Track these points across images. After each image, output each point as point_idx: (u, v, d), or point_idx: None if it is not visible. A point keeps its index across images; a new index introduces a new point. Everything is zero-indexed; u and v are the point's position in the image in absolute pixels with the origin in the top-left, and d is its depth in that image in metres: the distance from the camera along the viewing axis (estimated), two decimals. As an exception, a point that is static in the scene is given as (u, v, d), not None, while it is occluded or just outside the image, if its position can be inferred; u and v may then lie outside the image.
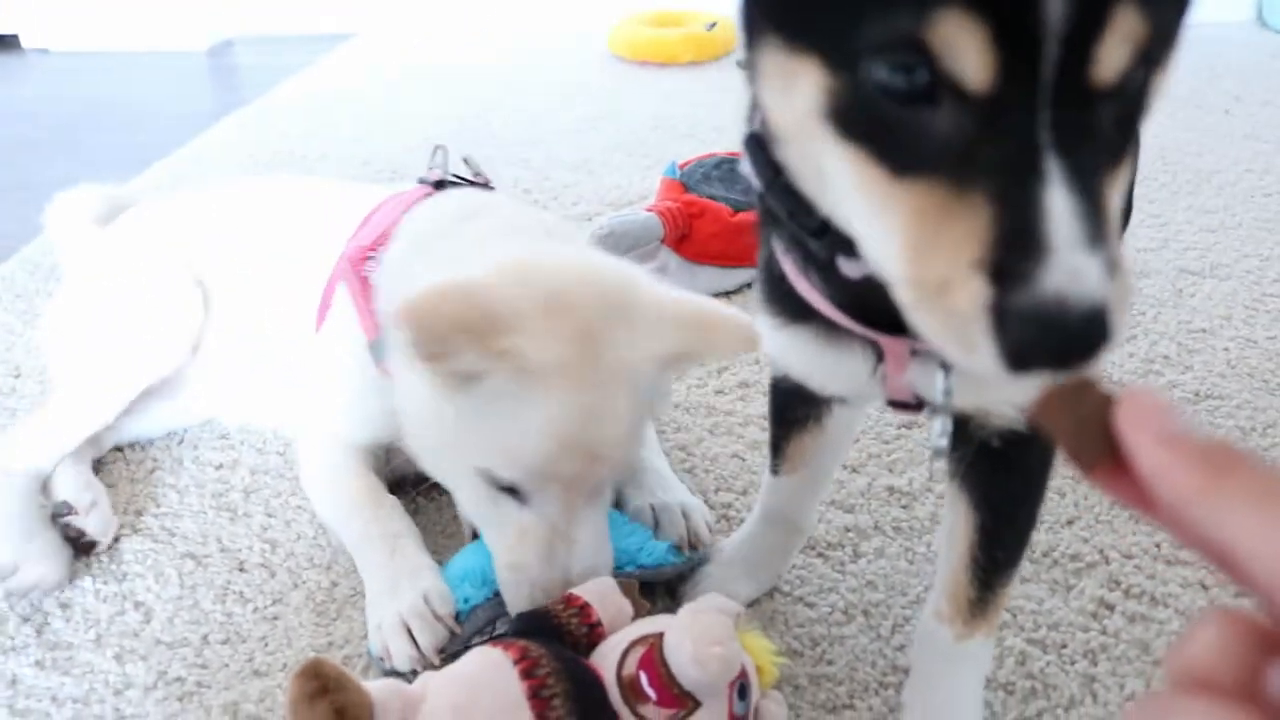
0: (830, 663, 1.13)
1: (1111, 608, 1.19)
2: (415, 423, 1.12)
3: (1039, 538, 1.29)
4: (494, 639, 0.99)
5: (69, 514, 1.31)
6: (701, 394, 1.58)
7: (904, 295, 0.55)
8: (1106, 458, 0.40)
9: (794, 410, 1.09)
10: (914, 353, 0.78)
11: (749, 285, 1.87)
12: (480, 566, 1.13)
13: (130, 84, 3.45)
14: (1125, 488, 0.40)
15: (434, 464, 1.13)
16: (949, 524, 0.95)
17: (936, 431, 0.75)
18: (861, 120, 0.55)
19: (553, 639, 0.99)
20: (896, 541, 1.29)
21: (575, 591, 1.04)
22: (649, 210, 1.86)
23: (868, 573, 1.25)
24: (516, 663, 0.91)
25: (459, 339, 0.94)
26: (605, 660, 0.97)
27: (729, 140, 2.46)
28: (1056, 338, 0.49)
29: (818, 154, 0.59)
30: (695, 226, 1.84)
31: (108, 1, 3.77)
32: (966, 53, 0.49)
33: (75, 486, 1.36)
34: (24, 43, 3.91)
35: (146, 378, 1.41)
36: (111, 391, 1.39)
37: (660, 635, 0.96)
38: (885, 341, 0.78)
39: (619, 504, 1.27)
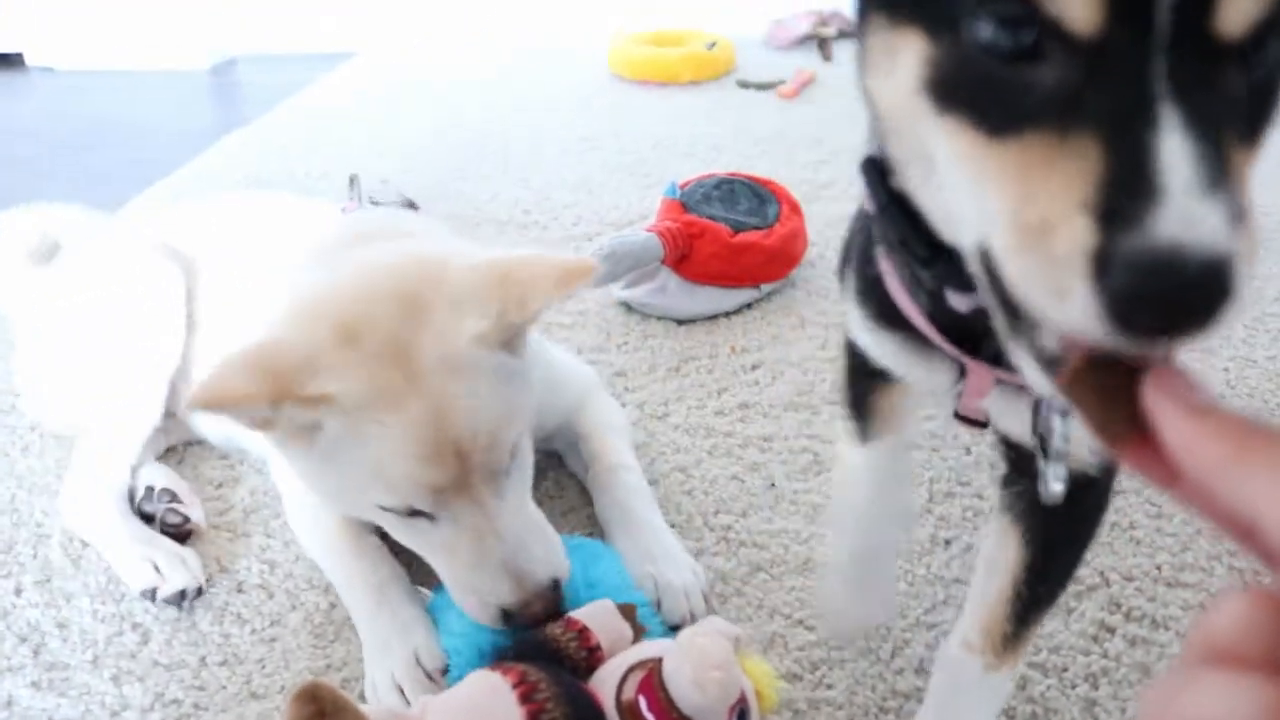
0: (830, 687, 1.13)
1: (1112, 631, 1.19)
2: (301, 483, 1.12)
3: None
4: (493, 663, 0.99)
5: (172, 501, 1.36)
6: (700, 415, 1.58)
7: (1002, 242, 0.49)
8: (1134, 432, 0.40)
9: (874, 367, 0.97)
10: (998, 382, 0.77)
11: (749, 305, 1.87)
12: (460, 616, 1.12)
13: (133, 102, 3.46)
14: (1152, 463, 0.40)
15: (343, 512, 1.14)
16: (990, 556, 0.92)
17: (1051, 477, 0.72)
18: (963, 86, 0.52)
19: (552, 662, 0.98)
20: (896, 564, 1.28)
21: (574, 615, 1.04)
22: (649, 230, 1.87)
23: (868, 596, 1.25)
24: (515, 687, 0.91)
25: (261, 399, 0.95)
26: (604, 684, 0.96)
27: (729, 159, 2.48)
28: (1169, 290, 0.43)
29: (920, 135, 0.56)
30: (695, 246, 1.84)
31: (111, 20, 3.78)
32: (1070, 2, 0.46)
33: (167, 477, 1.41)
34: (28, 61, 3.92)
35: (169, 366, 1.42)
36: (146, 391, 1.40)
37: (659, 659, 0.95)
38: (973, 366, 0.77)
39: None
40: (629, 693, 0.94)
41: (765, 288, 1.88)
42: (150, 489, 1.38)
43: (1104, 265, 0.44)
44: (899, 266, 0.77)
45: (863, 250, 0.84)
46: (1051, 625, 1.19)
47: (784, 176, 2.21)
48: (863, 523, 1.08)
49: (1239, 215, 0.44)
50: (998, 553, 0.90)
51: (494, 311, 1.02)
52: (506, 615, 1.06)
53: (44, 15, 3.81)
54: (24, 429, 1.58)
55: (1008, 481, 0.89)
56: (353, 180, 1.39)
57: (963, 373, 0.79)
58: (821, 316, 1.84)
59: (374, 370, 0.99)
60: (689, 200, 1.92)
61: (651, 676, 0.94)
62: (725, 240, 1.84)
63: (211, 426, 1.48)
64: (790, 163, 2.53)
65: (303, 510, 1.30)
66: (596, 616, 1.04)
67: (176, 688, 1.15)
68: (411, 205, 1.40)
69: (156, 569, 1.25)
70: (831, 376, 1.66)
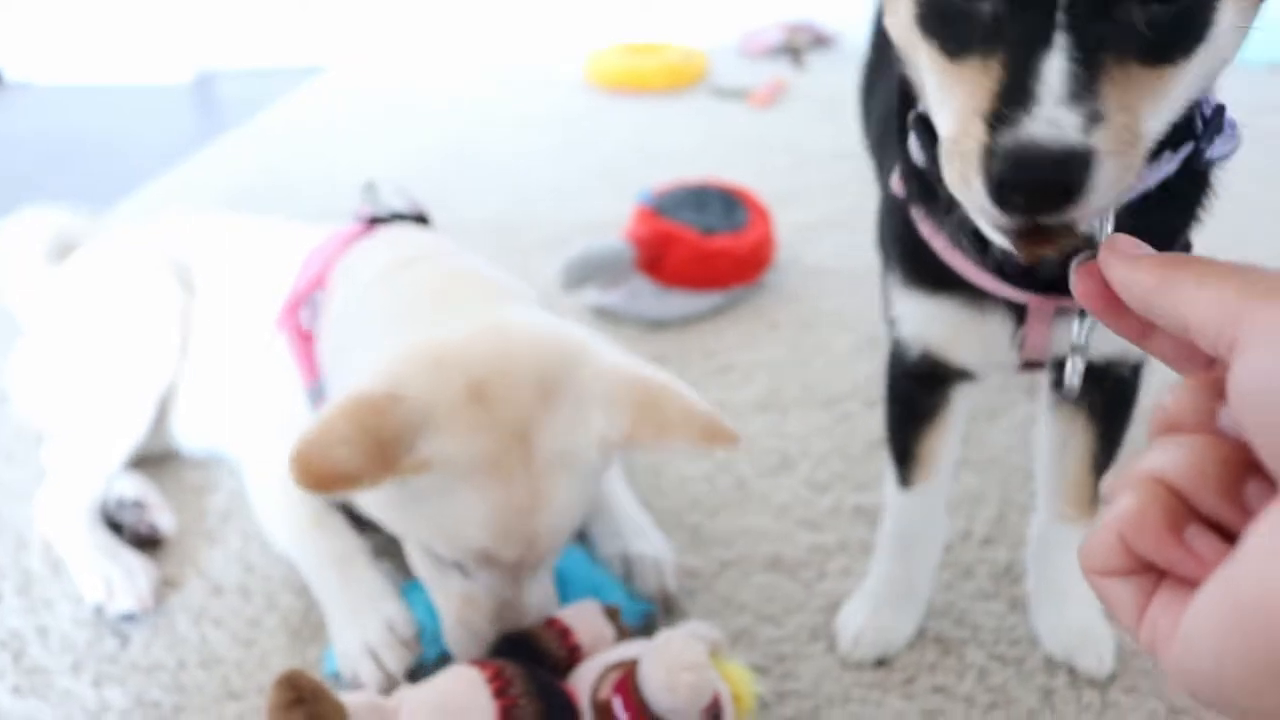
0: (796, 679, 1.16)
1: (1071, 622, 1.22)
2: (367, 501, 1.10)
3: (1000, 555, 1.32)
4: (475, 660, 1.02)
5: (142, 510, 1.38)
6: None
7: (943, 146, 0.64)
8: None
9: (920, 403, 1.10)
10: (1059, 311, 0.89)
11: (720, 309, 1.90)
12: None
13: (114, 116, 3.48)
14: (1113, 314, 0.51)
15: (380, 523, 1.15)
16: (1058, 441, 1.11)
17: (1069, 371, 0.79)
18: (934, 17, 0.67)
19: (532, 659, 1.01)
20: (861, 561, 1.31)
21: (558, 615, 1.07)
22: (622, 236, 1.90)
23: (834, 592, 1.27)
24: (490, 681, 0.94)
25: (364, 478, 0.93)
26: (581, 683, 0.99)
27: (702, 167, 2.51)
28: (1031, 175, 0.57)
29: (918, 61, 0.70)
30: (668, 252, 1.88)
31: (90, 35, 3.80)
32: None
33: (137, 485, 1.42)
34: (6, 76, 3.93)
35: (157, 380, 1.43)
36: (133, 400, 1.42)
37: (636, 661, 0.98)
38: (1033, 301, 0.88)
39: (583, 538, 1.30)
40: (604, 692, 0.96)
41: (736, 291, 1.91)
42: (121, 499, 1.40)
43: (988, 157, 0.58)
44: (946, 225, 0.86)
45: (900, 229, 0.94)
46: (1012, 618, 1.23)
47: (755, 183, 2.24)
48: (904, 555, 1.20)
49: (1098, 117, 0.57)
50: (1066, 436, 1.10)
51: (627, 424, 1.01)
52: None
53: (22, 30, 3.82)
54: (7, 437, 1.59)
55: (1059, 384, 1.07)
56: (368, 187, 1.41)
57: (1021, 318, 0.91)
58: (792, 319, 1.87)
59: (495, 439, 0.97)
60: (661, 206, 1.95)
61: (627, 677, 0.97)
62: (697, 245, 1.87)
63: (193, 436, 1.50)
64: (762, 169, 2.57)
65: (269, 498, 1.32)
66: (580, 617, 1.06)
67: (156, 690, 1.17)
68: (423, 217, 1.42)
69: (110, 585, 1.26)
70: (802, 379, 1.70)
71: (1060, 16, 0.59)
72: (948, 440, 1.14)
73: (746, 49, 3.75)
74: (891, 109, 1.01)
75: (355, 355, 1.13)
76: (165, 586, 1.31)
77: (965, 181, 0.60)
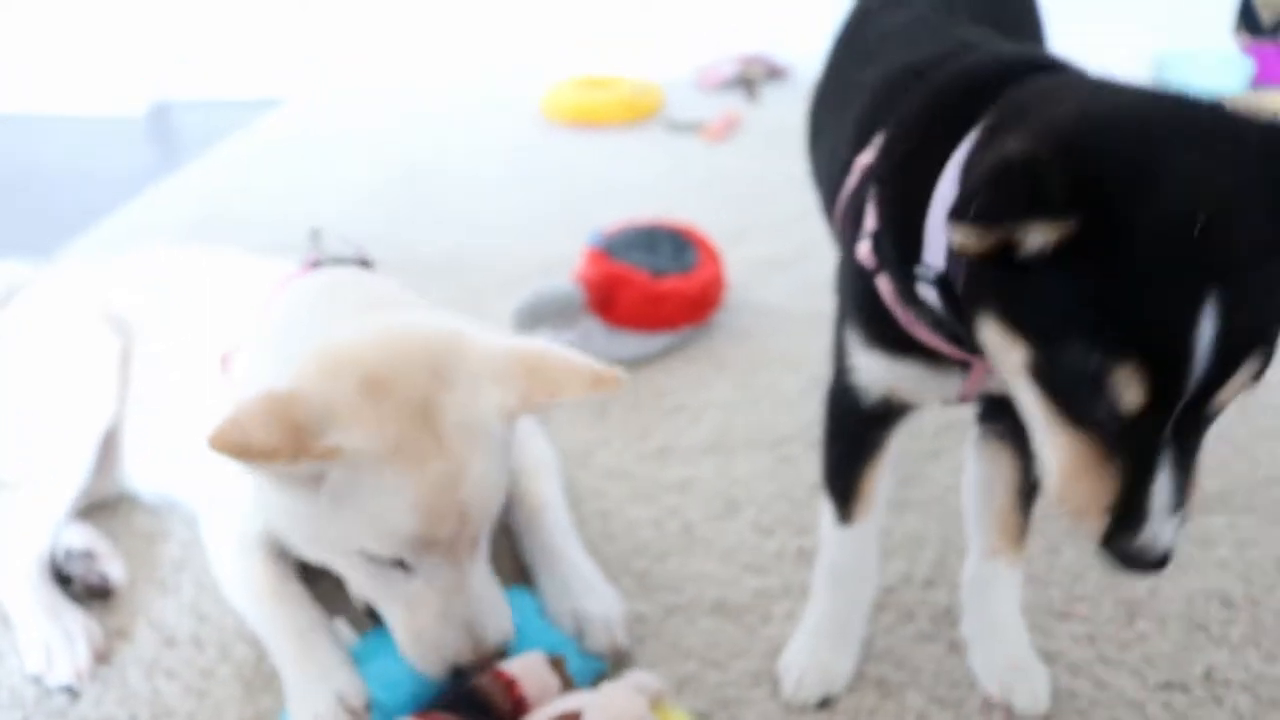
0: (739, 725, 1.19)
1: (1005, 664, 1.26)
2: (283, 521, 1.16)
3: (940, 597, 1.35)
4: (420, 712, 1.04)
5: (91, 560, 1.38)
6: (622, 460, 1.64)
7: (1052, 494, 0.84)
8: None
9: (865, 441, 1.16)
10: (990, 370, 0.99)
11: (671, 350, 1.93)
12: (391, 666, 1.16)
13: (67, 147, 3.46)
14: None
15: (314, 554, 1.17)
16: (983, 481, 1.21)
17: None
18: (1051, 377, 0.80)
19: (479, 712, 1.03)
20: (804, 604, 1.34)
21: (503, 667, 1.09)
22: (574, 278, 1.93)
23: (778, 636, 1.30)
24: (433, 738, 0.96)
25: (280, 454, 0.99)
26: (525, 735, 1.01)
27: (656, 203, 2.54)
28: (1138, 565, 0.81)
29: (1017, 384, 0.84)
30: (618, 294, 1.90)
31: (43, 65, 3.78)
32: (1130, 389, 0.74)
33: (85, 535, 1.42)
34: (-43, 105, 3.91)
35: (97, 426, 1.44)
36: (72, 450, 1.42)
37: (579, 713, 1.00)
38: (975, 361, 1.00)
39: (534, 592, 1.32)
40: (546, 743, 0.99)
41: (686, 332, 1.95)
42: (69, 551, 1.40)
43: (1110, 545, 0.81)
44: (916, 310, 0.98)
45: (864, 295, 1.04)
46: (950, 661, 1.26)
47: (708, 218, 2.29)
48: (840, 590, 1.25)
49: (1185, 516, 0.80)
50: (993, 472, 1.20)
51: (520, 391, 1.10)
52: (456, 671, 1.11)
53: (-28, 60, 3.80)
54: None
55: (987, 418, 1.20)
56: (314, 234, 1.43)
57: (965, 368, 1.03)
58: (741, 359, 1.91)
59: (399, 424, 1.04)
60: (611, 248, 1.98)
61: None
62: (647, 287, 1.90)
63: (143, 481, 1.51)
64: (715, 205, 2.61)
65: (229, 561, 1.33)
66: (526, 668, 1.09)
67: (107, 744, 1.18)
68: (367, 262, 1.45)
69: (49, 654, 1.26)
70: (750, 420, 1.73)
71: (1167, 438, 0.76)
72: (886, 476, 1.20)
73: (702, 82, 3.80)
74: (843, 162, 1.07)
75: (259, 365, 1.21)
76: (116, 638, 1.32)
77: (1086, 541, 0.83)
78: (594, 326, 1.90)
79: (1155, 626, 1.31)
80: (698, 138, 3.21)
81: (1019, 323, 0.80)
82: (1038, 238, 0.75)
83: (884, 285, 1.01)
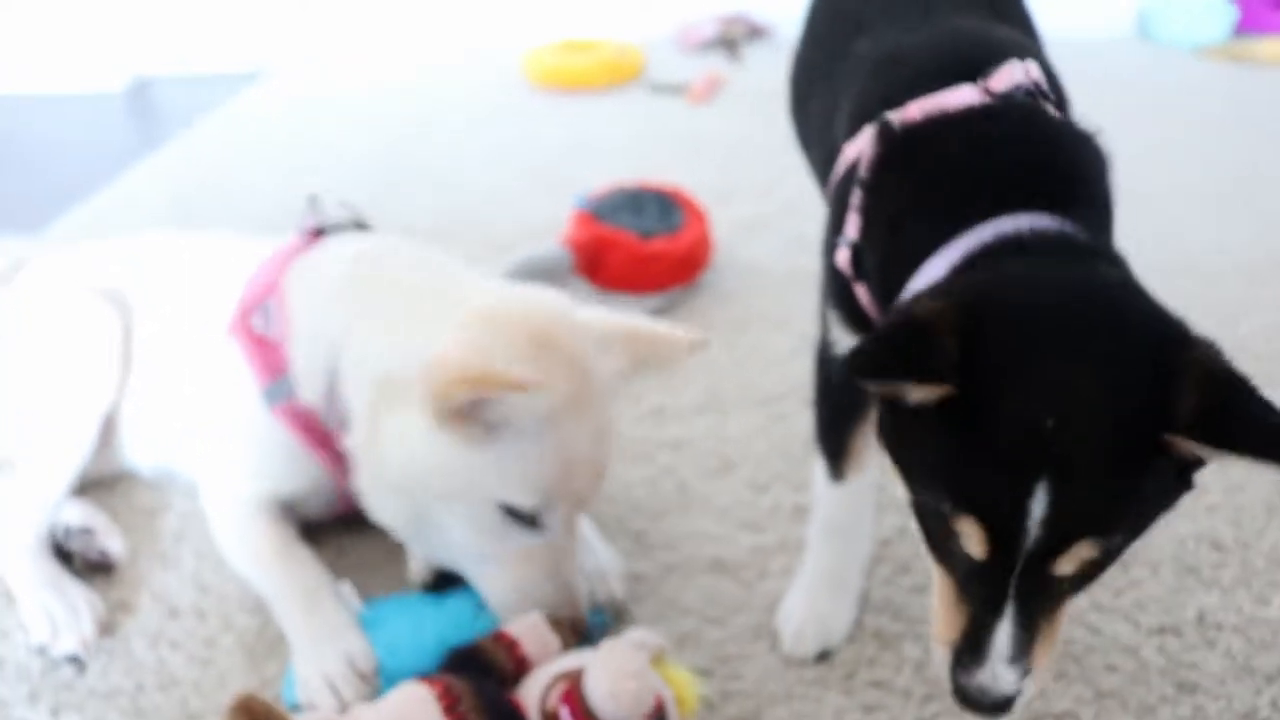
0: (740, 679, 1.21)
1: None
2: (414, 478, 1.14)
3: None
4: (424, 675, 1.05)
5: (90, 536, 1.38)
6: (617, 422, 1.64)
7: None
8: None
9: (852, 403, 1.18)
10: None
11: (659, 311, 1.93)
12: (397, 632, 1.18)
13: (46, 125, 3.43)
14: None
15: (420, 505, 1.16)
16: None
17: None
18: (922, 515, 0.88)
19: (481, 673, 1.04)
20: (801, 559, 1.36)
21: (505, 630, 1.10)
22: (561, 241, 1.93)
23: (775, 591, 1.32)
24: (440, 698, 0.97)
25: (491, 397, 1.04)
26: (529, 695, 1.03)
27: (640, 165, 2.54)
28: (978, 705, 0.86)
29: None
30: (605, 256, 1.91)
31: (20, 42, 3.74)
32: (972, 541, 0.81)
33: (84, 512, 1.42)
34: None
35: (97, 408, 1.44)
36: (73, 430, 1.42)
37: (581, 671, 1.02)
38: None
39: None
40: (552, 702, 1.00)
41: (674, 293, 1.95)
42: (69, 528, 1.40)
43: (952, 675, 0.87)
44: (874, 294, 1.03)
45: (843, 289, 1.06)
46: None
47: (693, 181, 2.28)
48: (835, 545, 1.27)
49: (1028, 670, 0.84)
50: None
51: (632, 357, 1.19)
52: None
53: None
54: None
55: None
56: (312, 200, 1.43)
57: None
58: (728, 319, 1.91)
59: (566, 375, 1.11)
60: (599, 210, 1.98)
61: (573, 688, 1.01)
62: (636, 249, 1.91)
63: (142, 456, 1.52)
64: (699, 167, 2.61)
65: (232, 525, 1.34)
66: (526, 628, 1.10)
67: (115, 715, 1.19)
68: (364, 225, 1.46)
69: (55, 625, 1.26)
70: (740, 380, 1.74)
71: (1011, 589, 0.82)
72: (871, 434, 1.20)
73: (683, 43, 3.78)
74: (833, 142, 1.08)
75: (374, 341, 1.21)
76: (120, 610, 1.33)
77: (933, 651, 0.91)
78: (582, 289, 1.91)
79: (1148, 572, 1.33)
80: (681, 99, 3.20)
81: (902, 461, 0.88)
82: (918, 394, 0.81)
83: (862, 292, 1.03)
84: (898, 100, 1.00)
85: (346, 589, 1.26)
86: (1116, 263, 0.90)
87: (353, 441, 1.22)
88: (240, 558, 1.33)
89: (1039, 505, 0.77)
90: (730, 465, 1.54)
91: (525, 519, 1.13)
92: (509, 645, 1.09)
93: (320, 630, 1.20)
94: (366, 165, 2.78)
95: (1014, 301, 0.82)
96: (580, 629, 1.16)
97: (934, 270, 0.91)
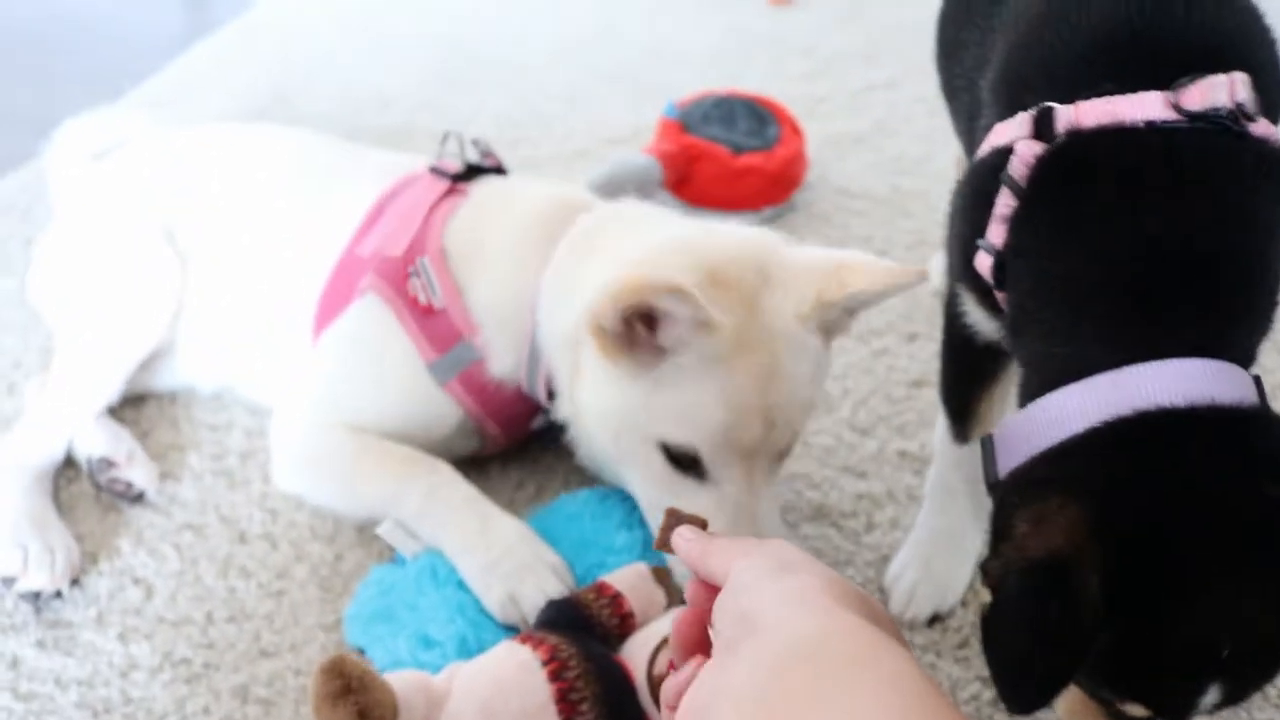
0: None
1: None
2: (596, 415, 1.13)
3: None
4: (523, 634, 0.97)
5: (111, 469, 1.30)
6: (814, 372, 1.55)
7: None
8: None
9: (980, 365, 1.08)
10: None
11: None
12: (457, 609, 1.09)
13: (95, 8, 3.31)
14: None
15: (612, 451, 1.13)
16: None
17: None
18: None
19: (582, 630, 0.97)
20: (910, 511, 1.27)
21: (607, 580, 1.02)
22: (647, 152, 1.81)
23: (883, 544, 1.24)
24: (545, 664, 0.90)
25: (685, 304, 0.99)
26: (635, 657, 0.95)
27: (724, 73, 2.40)
28: None
29: None
30: (695, 170, 1.80)
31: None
32: (1135, 710, 0.76)
33: (107, 439, 1.33)
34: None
35: (136, 354, 1.37)
36: (105, 370, 1.35)
37: None
38: None
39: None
40: (661, 667, 0.92)
41: (766, 212, 1.84)
42: (89, 459, 1.32)
43: None
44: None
45: (980, 285, 0.92)
46: None
47: (776, 90, 2.14)
48: (954, 504, 1.17)
49: None
50: None
51: (820, 295, 1.07)
52: None
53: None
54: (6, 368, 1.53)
55: None
56: (447, 137, 1.34)
57: None
58: (824, 243, 1.75)
59: (737, 311, 1.04)
60: (688, 120, 1.86)
61: None
62: (726, 163, 1.79)
63: (204, 374, 1.44)
64: (781, 74, 2.45)
65: (339, 449, 1.24)
66: (629, 581, 1.02)
67: (185, 646, 1.13)
68: (501, 169, 1.37)
69: (26, 559, 1.18)
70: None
71: None
72: (1004, 394, 1.11)
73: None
74: (983, 119, 0.95)
75: (566, 292, 1.17)
76: (187, 531, 1.27)
77: None
78: (669, 204, 1.79)
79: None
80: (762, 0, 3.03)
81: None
82: None
83: (1000, 296, 0.90)
84: (1063, 80, 0.85)
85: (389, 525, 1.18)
86: None
87: (561, 412, 1.19)
88: (357, 477, 1.22)
89: (1210, 697, 0.73)
90: (829, 403, 1.44)
91: (689, 464, 1.07)
92: (613, 599, 1.01)
93: (508, 545, 1.12)
94: (430, 58, 2.64)
95: (1170, 532, 0.72)
96: None
97: (1069, 418, 0.77)
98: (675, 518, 0.71)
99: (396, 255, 1.24)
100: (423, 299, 1.22)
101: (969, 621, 1.15)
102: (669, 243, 1.12)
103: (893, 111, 2.23)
